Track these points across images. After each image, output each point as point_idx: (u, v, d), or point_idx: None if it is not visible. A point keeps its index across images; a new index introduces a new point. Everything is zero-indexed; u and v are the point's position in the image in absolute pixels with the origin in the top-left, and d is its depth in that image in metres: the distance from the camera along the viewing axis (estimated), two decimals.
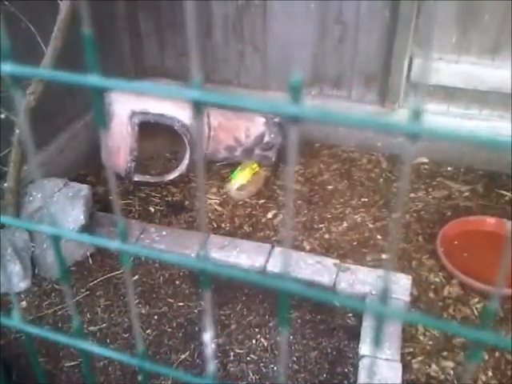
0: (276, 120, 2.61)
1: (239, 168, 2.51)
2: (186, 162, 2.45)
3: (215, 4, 2.68)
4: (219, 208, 2.36)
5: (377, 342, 0.49)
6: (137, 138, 2.39)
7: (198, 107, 0.42)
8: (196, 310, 1.90)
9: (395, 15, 2.47)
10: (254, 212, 2.36)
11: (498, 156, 2.54)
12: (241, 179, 2.46)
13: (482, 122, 2.55)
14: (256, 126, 2.59)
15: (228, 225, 2.28)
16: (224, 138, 2.58)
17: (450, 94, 2.60)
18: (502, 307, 1.92)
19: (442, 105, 2.64)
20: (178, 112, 2.38)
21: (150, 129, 2.43)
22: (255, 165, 2.54)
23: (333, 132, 2.75)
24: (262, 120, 2.59)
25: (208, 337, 0.53)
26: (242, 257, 2.06)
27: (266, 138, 2.58)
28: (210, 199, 2.42)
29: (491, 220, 2.18)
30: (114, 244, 0.50)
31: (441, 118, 2.62)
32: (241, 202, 2.40)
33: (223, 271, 0.47)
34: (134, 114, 2.38)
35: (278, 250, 2.10)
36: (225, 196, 2.44)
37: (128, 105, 2.41)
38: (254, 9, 2.66)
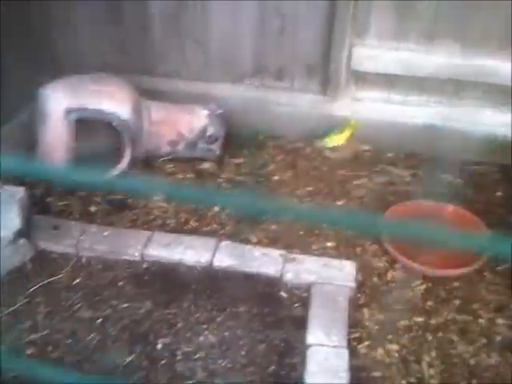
0: (219, 112, 2.58)
1: (336, 130, 2.58)
2: (126, 158, 2.39)
3: None
4: (164, 204, 2.32)
5: None
6: (74, 136, 2.31)
7: None
8: (141, 311, 1.86)
9: (333, 5, 2.48)
10: (199, 206, 2.32)
11: (438, 141, 2.59)
12: (336, 140, 2.57)
13: (421, 107, 2.61)
14: (199, 119, 2.55)
15: (173, 221, 2.24)
16: (166, 133, 2.53)
17: (390, 81, 2.64)
18: (444, 288, 1.97)
19: (383, 92, 2.67)
20: (117, 107, 2.32)
21: (89, 125, 2.35)
22: (353, 121, 2.58)
23: (277, 123, 2.74)
24: (205, 112, 2.56)
25: None
26: (188, 253, 2.02)
27: (210, 131, 2.55)
28: (155, 195, 2.36)
29: (431, 203, 2.23)
30: None
31: (382, 105, 2.66)
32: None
33: None
34: (70, 110, 2.30)
35: (224, 244, 2.08)
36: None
37: (64, 101, 2.33)
38: (193, 1, 2.61)
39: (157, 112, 2.51)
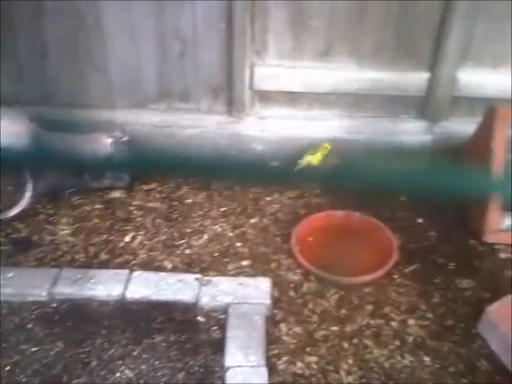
0: (124, 139, 2.53)
1: (309, 151, 2.56)
2: (27, 194, 2.28)
3: (48, 25, 2.53)
4: (71, 239, 2.23)
5: None
6: None
7: None
8: (52, 353, 1.77)
9: (231, 26, 2.52)
10: (110, 238, 2.26)
11: (343, 153, 2.68)
12: (310, 160, 2.52)
13: (323, 121, 2.70)
14: (103, 148, 2.49)
15: (82, 255, 2.16)
16: None
17: (293, 98, 2.71)
18: (356, 295, 2.03)
19: (286, 109, 2.74)
20: (12, 142, 2.21)
21: None
22: (326, 144, 2.56)
23: (186, 145, 2.73)
24: (109, 140, 2.50)
25: None
26: (99, 288, 1.95)
27: (116, 159, 2.49)
28: (62, 230, 2.27)
29: (340, 213, 2.30)
30: None
31: (286, 121, 2.72)
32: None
33: None
34: None
35: (136, 274, 2.03)
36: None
37: None
38: (89, 28, 2.55)
39: (58, 143, 2.43)
